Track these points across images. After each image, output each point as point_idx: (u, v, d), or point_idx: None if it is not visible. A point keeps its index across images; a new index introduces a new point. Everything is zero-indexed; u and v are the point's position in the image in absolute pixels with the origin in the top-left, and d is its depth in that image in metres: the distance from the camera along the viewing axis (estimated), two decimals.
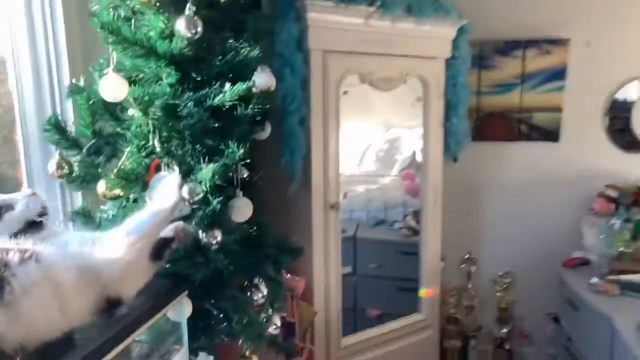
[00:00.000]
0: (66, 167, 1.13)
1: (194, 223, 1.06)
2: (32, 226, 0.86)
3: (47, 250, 0.79)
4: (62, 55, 1.31)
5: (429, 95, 2.50)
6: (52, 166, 1.13)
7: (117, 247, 0.87)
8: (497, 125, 2.97)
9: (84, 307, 0.82)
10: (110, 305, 0.86)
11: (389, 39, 2.27)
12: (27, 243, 0.80)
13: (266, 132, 1.29)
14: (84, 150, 1.13)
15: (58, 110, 1.31)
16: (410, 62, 2.41)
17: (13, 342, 0.71)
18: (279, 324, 1.30)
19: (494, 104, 2.95)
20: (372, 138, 3.50)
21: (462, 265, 3.03)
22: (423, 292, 2.60)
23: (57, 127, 1.14)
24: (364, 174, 3.47)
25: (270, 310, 1.28)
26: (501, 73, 2.94)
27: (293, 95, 2.02)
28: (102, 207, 1.18)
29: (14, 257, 0.75)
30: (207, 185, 1.02)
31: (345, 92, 2.28)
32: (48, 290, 0.76)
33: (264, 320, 1.26)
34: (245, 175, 1.27)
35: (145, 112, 1.03)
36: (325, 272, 2.21)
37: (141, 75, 1.16)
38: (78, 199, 1.34)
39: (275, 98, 1.99)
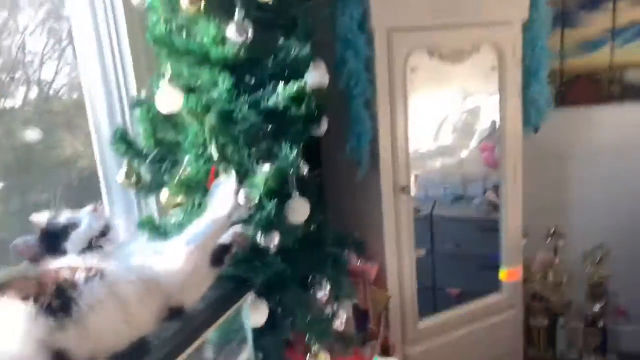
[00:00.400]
0: (134, 176, 1.20)
1: (252, 226, 1.08)
2: (98, 241, 0.91)
3: (111, 266, 0.84)
4: (128, 68, 1.37)
5: (504, 63, 2.34)
6: (121, 176, 1.20)
7: (176, 257, 0.90)
8: (583, 88, 2.74)
9: (148, 318, 0.87)
10: (173, 314, 0.91)
11: (457, 7, 2.14)
12: (93, 259, 0.85)
13: (322, 128, 1.28)
14: (147, 160, 1.18)
15: (127, 121, 1.37)
16: (483, 29, 2.27)
17: (83, 356, 0.76)
18: (344, 318, 1.30)
19: (580, 65, 2.72)
20: (449, 109, 3.36)
21: (548, 240, 2.88)
22: (504, 274, 2.50)
23: (123, 139, 1.19)
24: (441, 148, 3.36)
25: (336, 306, 1.29)
26: (588, 30, 2.69)
27: (357, 79, 1.98)
28: (171, 212, 1.23)
29: (80, 276, 0.80)
30: (262, 190, 1.03)
31: (413, 70, 2.20)
32: (113, 305, 0.81)
33: (330, 316, 1.27)
34: (305, 172, 1.28)
35: (200, 122, 1.06)
36: (398, 256, 2.18)
37: (199, 82, 1.19)
38: (153, 204, 1.41)
39: (339, 82, 1.97)
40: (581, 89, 2.74)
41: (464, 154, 3.34)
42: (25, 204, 1.61)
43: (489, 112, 3.12)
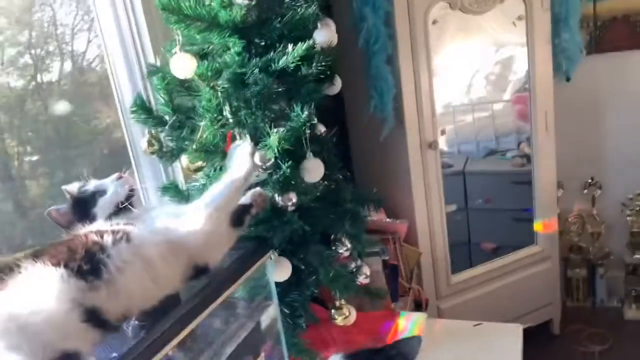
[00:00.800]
0: (156, 143, 1.23)
1: (270, 188, 1.11)
2: (124, 206, 0.95)
3: (136, 230, 0.89)
4: (144, 36, 1.40)
5: (531, 11, 2.26)
6: (143, 144, 1.24)
7: (197, 219, 0.94)
8: (620, 32, 2.60)
9: (175, 276, 0.91)
10: (198, 272, 0.95)
11: None
12: (120, 224, 0.90)
13: (336, 86, 1.27)
14: (166, 127, 1.22)
15: (149, 90, 1.41)
16: None
17: (116, 313, 0.81)
18: (368, 273, 1.33)
19: (614, 7, 2.58)
20: (480, 61, 3.27)
21: (585, 191, 2.81)
22: (539, 226, 2.47)
23: (142, 107, 1.23)
24: (473, 102, 3.29)
25: (359, 261, 1.32)
26: None
27: (377, 35, 1.95)
28: (194, 176, 1.27)
29: (107, 239, 0.84)
30: (276, 152, 1.05)
31: (434, 22, 2.15)
32: (140, 266, 0.85)
33: (353, 270, 1.30)
34: (322, 131, 1.29)
35: (211, 87, 1.08)
36: (428, 213, 2.18)
37: (211, 47, 1.20)
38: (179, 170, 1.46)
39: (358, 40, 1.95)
40: (617, 32, 2.60)
41: (497, 107, 3.26)
42: (69, 175, 1.68)
43: (523, 63, 3.03)
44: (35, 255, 0.81)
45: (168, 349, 0.83)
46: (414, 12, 1.99)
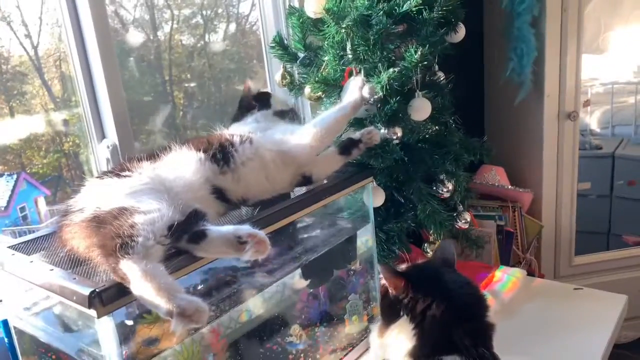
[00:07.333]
0: (288, 77, 1.41)
1: (378, 119, 1.21)
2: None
3: (257, 136, 1.07)
4: None
5: None
6: (278, 76, 1.42)
7: (305, 135, 1.09)
8: None
9: (284, 179, 1.09)
10: (305, 180, 1.12)
11: None
12: (245, 129, 1.10)
13: (460, 34, 1.30)
14: (297, 62, 1.37)
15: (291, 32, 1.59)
16: None
17: (237, 195, 1.01)
18: (468, 219, 1.37)
19: None
20: None
21: None
22: None
23: (280, 44, 1.40)
24: None
25: (461, 207, 1.37)
26: None
27: None
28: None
29: (236, 139, 1.04)
30: (385, 87, 1.15)
31: None
32: (257, 164, 1.04)
33: (453, 214, 1.35)
34: (441, 78, 1.35)
35: (337, 22, 1.20)
36: (557, 187, 2.09)
37: None
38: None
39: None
40: None
41: None
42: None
43: None
44: (183, 142, 1.03)
45: (270, 229, 0.98)
46: None
